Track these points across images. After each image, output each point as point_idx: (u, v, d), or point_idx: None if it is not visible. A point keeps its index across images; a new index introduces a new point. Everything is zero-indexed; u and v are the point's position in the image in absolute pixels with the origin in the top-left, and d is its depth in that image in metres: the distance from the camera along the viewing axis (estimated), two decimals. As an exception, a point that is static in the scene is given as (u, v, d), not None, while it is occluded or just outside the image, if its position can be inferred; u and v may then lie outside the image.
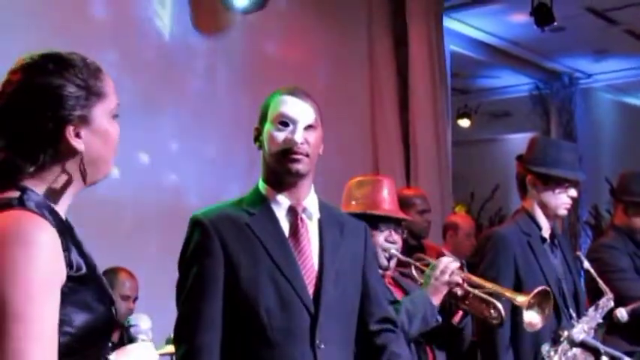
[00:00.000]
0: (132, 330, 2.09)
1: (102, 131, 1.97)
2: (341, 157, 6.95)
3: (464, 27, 9.25)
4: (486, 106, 12.34)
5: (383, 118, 7.67)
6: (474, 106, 12.13)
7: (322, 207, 2.87)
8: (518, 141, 10.07)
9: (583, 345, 3.02)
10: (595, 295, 4.01)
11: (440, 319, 3.41)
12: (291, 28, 7.10)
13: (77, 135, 1.93)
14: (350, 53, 7.56)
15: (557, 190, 3.99)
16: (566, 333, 3.17)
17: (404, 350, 2.96)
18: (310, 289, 2.68)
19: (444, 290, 3.44)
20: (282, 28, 7.01)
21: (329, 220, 2.85)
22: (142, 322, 2.10)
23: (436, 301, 3.42)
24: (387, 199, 3.66)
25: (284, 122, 2.73)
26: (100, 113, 1.97)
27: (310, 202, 2.82)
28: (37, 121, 1.90)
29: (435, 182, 7.73)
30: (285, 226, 2.76)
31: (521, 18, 8.75)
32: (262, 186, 2.82)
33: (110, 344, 2.05)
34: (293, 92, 2.80)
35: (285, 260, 2.68)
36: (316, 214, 2.82)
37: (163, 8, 6.10)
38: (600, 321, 3.89)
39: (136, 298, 4.83)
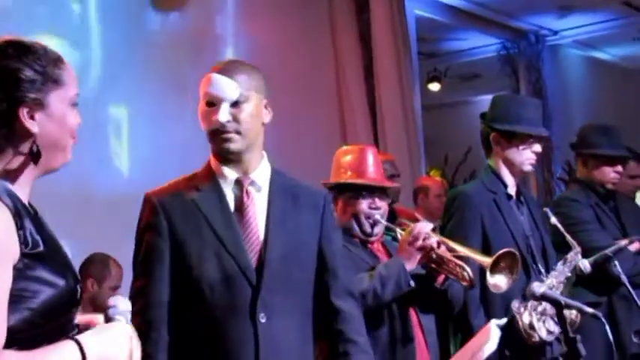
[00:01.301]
0: (110, 311, 2.07)
1: (58, 116, 2.03)
2: (307, 126, 6.95)
3: (427, -10, 9.22)
4: (455, 69, 12.29)
5: (348, 85, 7.64)
6: (443, 70, 12.08)
7: (275, 178, 2.84)
8: (489, 102, 10.06)
9: (544, 298, 3.01)
10: (563, 249, 4.03)
11: (412, 283, 3.42)
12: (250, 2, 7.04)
13: (31, 117, 1.99)
14: (311, 21, 7.51)
15: (521, 147, 4.00)
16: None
17: (361, 336, 2.92)
18: (254, 263, 2.67)
19: (418, 255, 3.48)
20: (241, 2, 6.94)
21: (280, 191, 2.83)
22: (120, 304, 2.08)
23: (410, 265, 3.45)
24: (370, 167, 3.72)
25: (210, 102, 2.73)
26: (57, 99, 2.04)
27: (259, 174, 2.81)
28: None
29: (404, 147, 7.71)
30: (230, 199, 2.76)
31: (483, -22, 8.74)
32: (211, 160, 2.83)
33: (75, 324, 2.06)
34: (220, 69, 2.76)
35: (228, 234, 2.68)
36: (265, 186, 2.80)
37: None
38: (569, 275, 3.90)
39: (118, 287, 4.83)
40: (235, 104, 2.71)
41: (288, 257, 2.73)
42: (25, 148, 1.99)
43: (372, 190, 3.68)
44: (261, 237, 2.73)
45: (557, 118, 10.69)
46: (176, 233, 2.68)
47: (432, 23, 9.88)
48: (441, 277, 3.54)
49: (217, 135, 2.72)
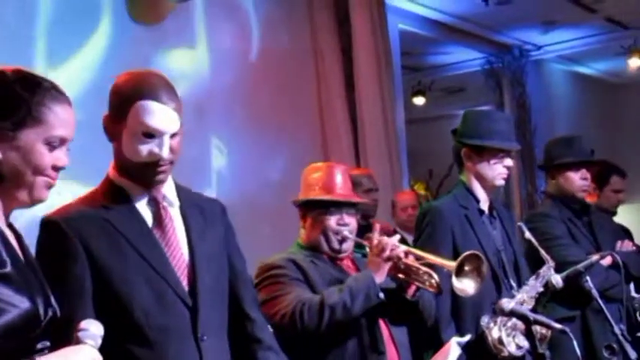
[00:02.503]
0: (80, 334, 2.03)
1: (25, 151, 2.06)
2: (289, 140, 6.95)
3: (410, 5, 9.20)
4: (440, 83, 12.34)
5: (329, 99, 7.62)
6: (428, 84, 12.13)
7: (179, 191, 2.73)
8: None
9: (512, 313, 3.03)
10: (537, 264, 4.04)
11: (382, 296, 3.42)
12: (230, 13, 7.04)
13: None
14: (292, 34, 7.50)
15: (492, 161, 4.01)
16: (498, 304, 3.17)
17: (276, 343, 2.90)
18: (184, 281, 2.57)
19: (386, 266, 3.47)
20: (222, 14, 6.94)
21: (189, 205, 2.72)
22: (92, 327, 2.05)
23: (379, 278, 3.44)
24: (339, 184, 3.71)
25: (148, 134, 2.51)
26: (31, 135, 2.06)
27: (168, 188, 2.68)
28: None
29: (385, 162, 7.70)
30: (147, 217, 2.59)
31: (466, -8, 8.77)
32: (115, 177, 2.62)
33: (46, 347, 2.05)
34: (157, 96, 2.52)
35: (153, 254, 2.52)
36: (176, 201, 2.69)
37: None
38: (541, 290, 3.92)
39: None
40: (173, 135, 2.55)
41: (212, 272, 2.65)
42: None
43: (340, 206, 3.67)
44: (185, 254, 2.61)
45: (540, 132, 10.74)
46: (94, 256, 2.45)
47: (416, 37, 9.89)
48: (412, 288, 3.54)
49: (152, 167, 2.55)
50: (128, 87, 2.55)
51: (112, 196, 2.59)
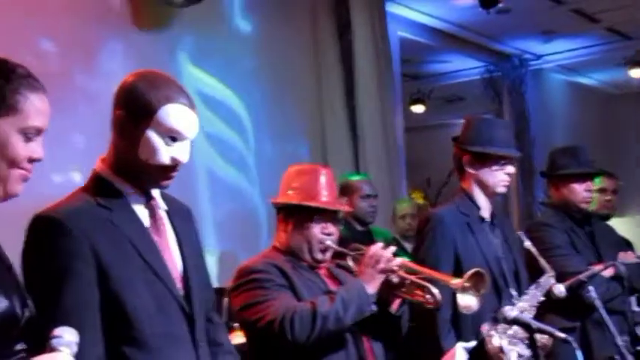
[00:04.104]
0: (54, 341, 1.97)
1: (0, 141, 1.97)
2: (288, 146, 6.93)
3: (410, 12, 9.21)
4: (439, 91, 12.34)
5: (330, 107, 7.63)
6: (427, 92, 12.12)
7: (162, 195, 2.68)
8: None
9: (515, 321, 2.99)
10: (536, 273, 4.00)
11: (375, 308, 3.32)
12: (231, 17, 7.03)
13: None
14: (294, 41, 7.51)
15: (494, 168, 3.97)
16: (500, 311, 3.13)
17: (226, 339, 2.87)
18: (179, 287, 2.54)
19: (380, 278, 3.35)
20: (222, 19, 6.93)
21: (174, 210, 2.69)
22: (66, 334, 1.98)
23: (371, 289, 3.32)
24: (324, 190, 3.54)
25: (174, 137, 2.50)
26: (6, 125, 1.97)
27: (157, 192, 2.63)
28: None
29: (385, 169, 7.71)
30: (144, 220, 2.54)
31: (466, 1, 8.76)
32: (111, 177, 2.55)
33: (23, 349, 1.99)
34: (186, 100, 2.53)
35: (154, 258, 2.48)
36: (163, 205, 2.64)
37: None
38: (541, 299, 3.88)
39: None
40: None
41: (198, 279, 2.63)
42: None
43: (325, 214, 3.52)
44: (179, 260, 2.59)
45: (539, 141, 10.74)
46: (100, 256, 2.37)
47: (416, 45, 9.90)
48: (396, 303, 3.44)
49: (164, 171, 2.52)
50: (154, 87, 2.50)
51: (108, 196, 2.51)
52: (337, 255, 3.67)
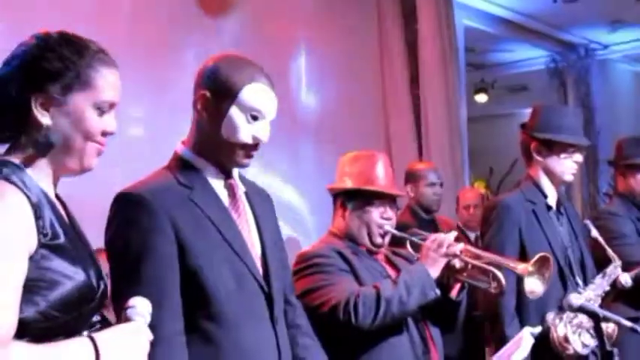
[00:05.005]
0: (128, 311, 2.03)
1: (75, 116, 2.00)
2: (352, 135, 6.94)
3: (476, 1, 9.17)
4: (503, 81, 12.25)
5: (394, 94, 7.64)
6: (491, 81, 12.06)
7: (240, 177, 2.74)
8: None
9: (581, 310, 2.98)
10: (602, 262, 3.99)
11: (439, 292, 3.30)
12: (299, 6, 7.06)
13: (45, 109, 1.98)
14: (359, 28, 7.52)
15: (562, 156, 3.95)
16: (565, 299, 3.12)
17: (304, 321, 2.90)
18: (258, 265, 2.59)
19: (442, 262, 3.33)
20: (290, 8, 6.97)
21: (253, 191, 2.76)
22: (139, 305, 2.04)
23: (434, 273, 3.31)
24: (381, 175, 3.55)
25: (255, 116, 2.58)
26: (81, 100, 2.01)
27: (235, 173, 2.70)
28: (4, 86, 1.98)
29: (448, 157, 7.68)
30: (224, 200, 2.61)
31: (534, -11, 8.70)
32: (192, 157, 2.63)
33: (98, 320, 2.04)
34: (267, 81, 2.62)
35: (234, 238, 2.53)
36: (242, 187, 2.71)
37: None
38: (607, 288, 3.87)
39: None
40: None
41: (276, 258, 2.69)
42: (39, 139, 1.98)
43: (384, 199, 3.53)
44: (257, 240, 2.64)
45: (604, 132, 10.60)
46: (182, 234, 2.43)
47: (481, 34, 9.84)
48: (456, 288, 3.43)
49: (245, 149, 2.60)
50: (238, 68, 2.59)
51: (189, 175, 2.58)
52: (393, 242, 3.68)
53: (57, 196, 2.08)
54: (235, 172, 2.70)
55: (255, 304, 2.54)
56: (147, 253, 2.40)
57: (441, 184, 6.00)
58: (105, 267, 2.20)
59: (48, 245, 1.87)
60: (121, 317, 2.04)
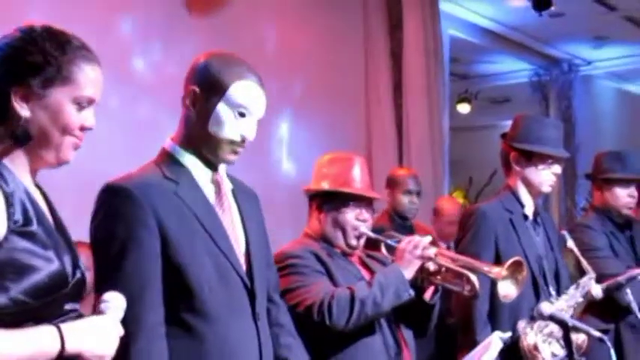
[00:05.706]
0: (102, 305, 2.05)
1: (53, 110, 2.03)
2: (334, 141, 6.96)
3: (463, 11, 9.23)
4: (486, 92, 12.32)
5: (377, 102, 7.67)
6: (474, 92, 12.11)
7: (228, 176, 2.77)
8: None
9: (552, 318, 3.01)
10: (577, 274, 4.03)
11: (412, 293, 3.31)
12: (286, 10, 7.08)
13: (25, 101, 2.00)
14: (345, 36, 7.54)
15: (540, 167, 3.98)
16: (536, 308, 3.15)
17: (287, 320, 2.93)
18: (242, 262, 2.62)
19: (417, 264, 3.34)
20: (277, 11, 6.99)
21: (239, 190, 2.78)
22: (113, 300, 2.06)
23: (409, 275, 3.32)
24: (357, 178, 3.55)
25: (243, 113, 2.61)
26: (60, 94, 2.03)
27: (222, 170, 2.72)
28: None
29: (428, 166, 7.72)
30: (210, 196, 2.63)
31: (520, 3, 8.74)
32: (179, 152, 2.65)
33: (72, 310, 2.05)
34: (257, 77, 2.66)
35: (219, 234, 2.56)
36: (229, 184, 2.74)
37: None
38: (580, 300, 3.90)
39: None
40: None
41: (260, 255, 2.72)
42: (17, 131, 2.00)
43: (360, 201, 3.53)
44: (242, 236, 2.67)
45: (585, 147, 10.66)
46: (165, 228, 2.46)
47: (467, 45, 9.91)
48: (430, 291, 3.44)
49: (233, 147, 2.63)
50: (227, 64, 2.63)
51: (176, 170, 2.61)
52: (369, 245, 3.68)
53: (37, 186, 2.11)
54: (222, 169, 2.72)
55: (238, 300, 2.57)
56: (130, 245, 2.42)
57: (418, 192, 5.99)
58: (86, 260, 2.22)
59: (18, 232, 1.89)
60: (95, 310, 2.06)
